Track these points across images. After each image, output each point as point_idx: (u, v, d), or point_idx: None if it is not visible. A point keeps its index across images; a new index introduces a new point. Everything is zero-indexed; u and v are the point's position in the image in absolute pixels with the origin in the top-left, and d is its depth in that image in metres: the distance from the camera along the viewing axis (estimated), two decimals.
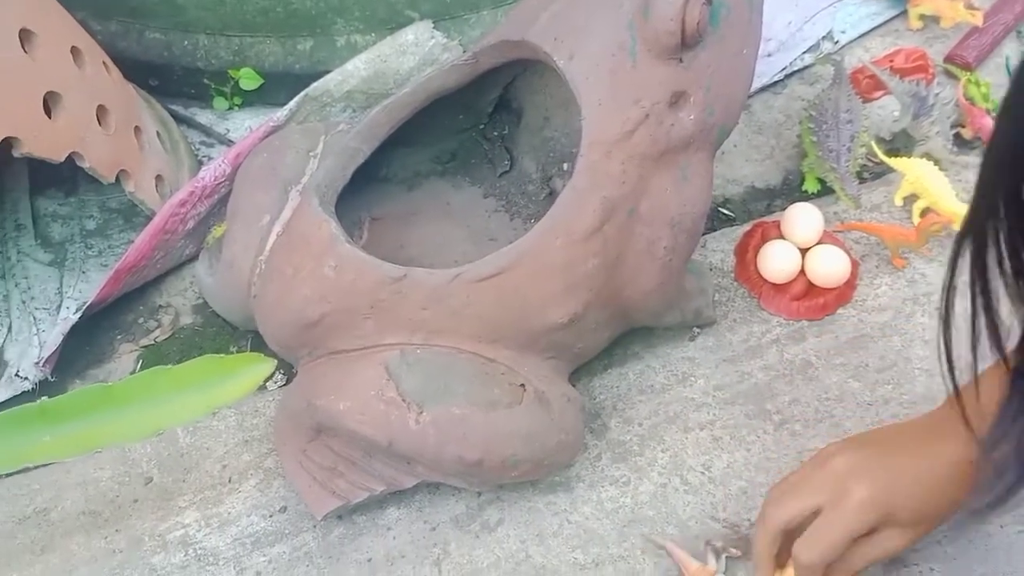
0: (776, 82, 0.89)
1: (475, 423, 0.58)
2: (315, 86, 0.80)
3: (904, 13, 0.93)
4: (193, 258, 0.78)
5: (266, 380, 0.67)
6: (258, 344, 0.70)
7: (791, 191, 0.81)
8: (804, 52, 0.91)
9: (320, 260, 0.62)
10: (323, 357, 0.63)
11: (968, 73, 0.86)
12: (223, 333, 0.74)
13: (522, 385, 0.62)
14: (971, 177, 0.80)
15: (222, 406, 0.66)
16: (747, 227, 0.77)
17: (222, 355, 0.56)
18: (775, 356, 0.70)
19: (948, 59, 0.89)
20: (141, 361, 0.73)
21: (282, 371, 0.71)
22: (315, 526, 0.63)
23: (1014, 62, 0.87)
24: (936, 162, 0.78)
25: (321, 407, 0.60)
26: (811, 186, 0.81)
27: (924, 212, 0.76)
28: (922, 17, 0.92)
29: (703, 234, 0.77)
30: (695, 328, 0.72)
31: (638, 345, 0.72)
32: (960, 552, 0.60)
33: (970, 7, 0.89)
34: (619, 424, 0.68)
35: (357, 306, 0.61)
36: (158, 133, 0.79)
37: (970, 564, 0.59)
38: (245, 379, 0.57)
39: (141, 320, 0.75)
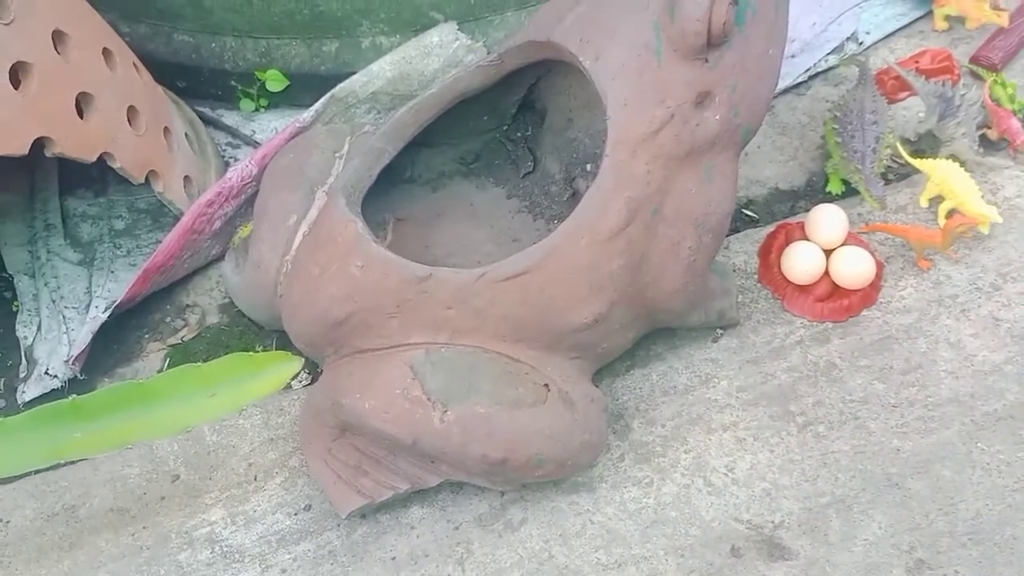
0: (800, 83, 0.89)
1: (499, 422, 0.59)
2: (341, 87, 0.81)
3: (929, 14, 0.93)
4: (220, 258, 0.79)
5: (292, 379, 0.67)
6: (283, 344, 0.70)
7: (815, 193, 0.81)
8: (828, 53, 0.91)
9: (346, 259, 0.62)
10: (348, 356, 0.64)
11: (994, 74, 0.86)
12: (249, 332, 0.75)
13: (546, 385, 0.62)
14: (997, 179, 0.79)
15: (250, 403, 0.66)
16: (771, 228, 0.77)
17: (250, 353, 0.57)
18: (799, 358, 0.70)
19: (974, 60, 0.88)
20: (168, 360, 0.73)
21: (307, 370, 0.71)
22: (339, 524, 0.64)
23: None
24: (962, 163, 0.77)
25: (346, 406, 0.60)
26: (835, 187, 0.80)
27: (950, 214, 0.75)
28: (947, 18, 0.92)
29: (727, 235, 0.77)
30: (718, 329, 0.72)
31: (661, 346, 0.72)
32: (985, 556, 0.59)
33: (996, 8, 0.89)
34: (642, 425, 0.68)
35: (383, 305, 0.62)
36: (186, 134, 0.80)
37: (995, 567, 0.59)
38: (272, 377, 0.57)
39: (168, 319, 0.76)
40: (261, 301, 0.70)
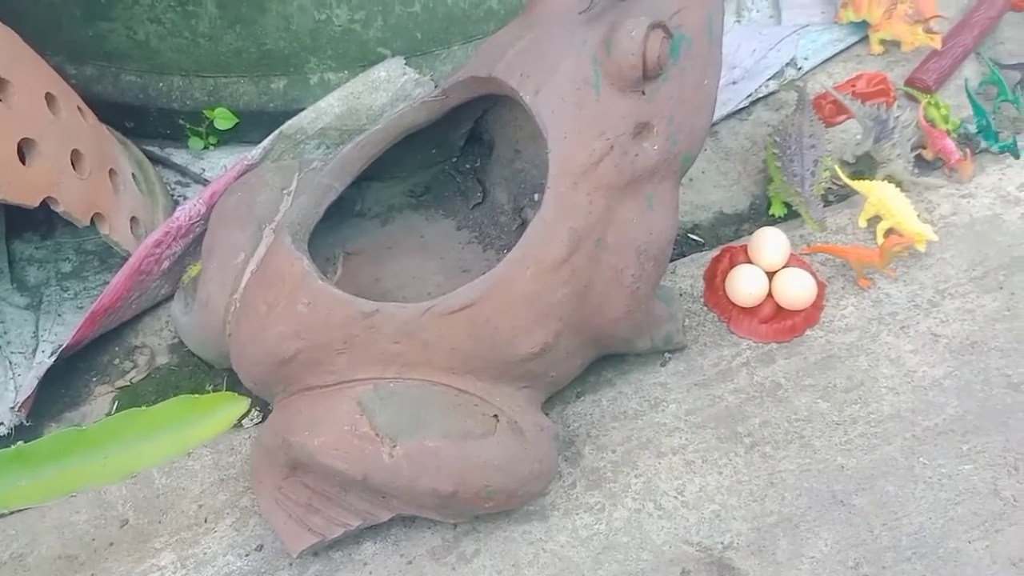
0: (742, 108, 0.91)
1: (448, 455, 0.59)
2: (289, 124, 0.82)
3: (865, 38, 0.96)
4: (169, 298, 0.79)
5: (242, 417, 0.67)
6: (234, 382, 0.70)
7: (759, 215, 0.83)
8: (769, 79, 0.93)
9: (293, 297, 0.62)
10: (297, 393, 0.64)
11: (928, 96, 0.89)
12: (199, 372, 0.75)
13: (495, 416, 0.62)
14: (933, 198, 0.81)
15: (196, 446, 0.66)
16: (716, 252, 0.79)
17: (196, 395, 0.57)
18: (745, 379, 0.71)
19: (909, 82, 0.91)
20: (117, 403, 0.73)
21: (258, 408, 0.71)
22: (291, 564, 0.64)
23: (973, 84, 0.89)
24: (898, 184, 0.79)
25: (295, 443, 0.60)
26: (778, 210, 0.82)
27: (888, 233, 0.77)
28: (883, 42, 0.94)
29: (673, 260, 0.79)
30: (666, 353, 0.73)
31: (610, 372, 0.73)
32: (929, 569, 0.60)
33: (929, 31, 0.92)
34: (593, 451, 0.68)
35: (330, 342, 0.62)
36: (133, 175, 0.80)
37: None
38: (219, 418, 0.57)
39: (117, 361, 0.76)
40: (210, 340, 0.70)
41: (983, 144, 0.84)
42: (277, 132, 0.81)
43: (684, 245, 0.81)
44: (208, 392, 0.72)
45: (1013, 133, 0.85)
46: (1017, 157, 0.83)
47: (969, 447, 0.66)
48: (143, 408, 0.55)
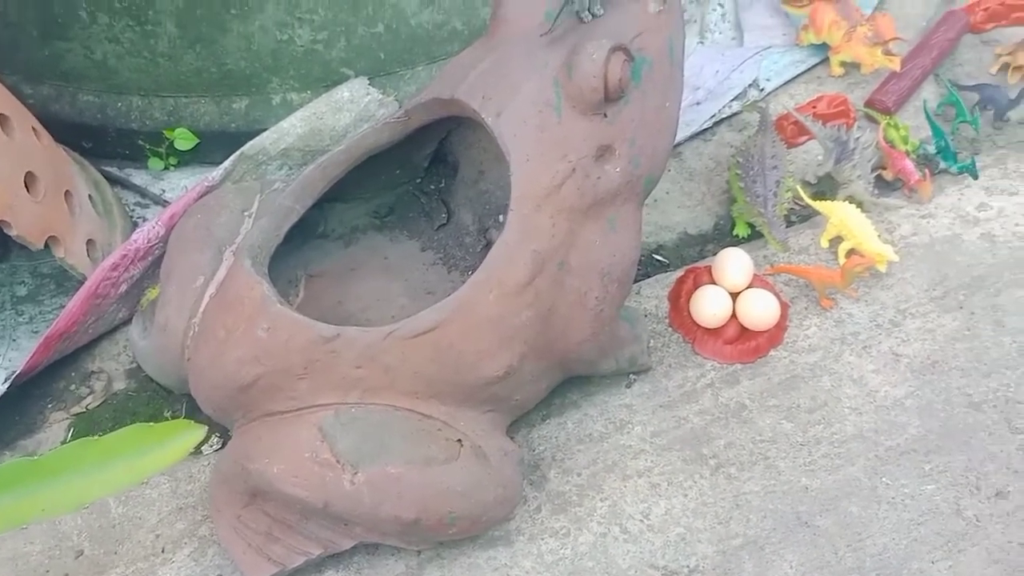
0: (706, 129, 0.92)
1: (411, 481, 0.58)
2: (250, 145, 0.81)
3: (826, 60, 0.97)
4: (127, 322, 0.77)
5: (201, 444, 0.66)
6: (193, 408, 0.69)
7: (723, 236, 0.83)
8: (732, 100, 0.94)
9: (253, 322, 0.62)
10: (258, 420, 0.63)
11: (888, 117, 0.90)
12: (157, 398, 0.73)
13: (459, 440, 0.62)
14: (893, 218, 0.82)
15: (150, 476, 0.64)
16: (680, 273, 0.79)
17: (151, 424, 0.55)
18: (710, 400, 0.71)
19: (868, 104, 0.92)
20: (72, 429, 0.71)
21: (218, 434, 0.70)
22: None
23: (932, 105, 0.91)
24: (859, 204, 0.80)
25: (255, 471, 0.59)
26: (741, 231, 0.83)
27: (849, 254, 0.78)
28: (843, 64, 0.95)
29: (638, 281, 0.79)
30: (631, 375, 0.73)
31: (576, 394, 0.72)
32: None
33: (888, 53, 0.93)
34: (558, 475, 0.68)
35: (291, 367, 0.61)
36: (90, 196, 0.78)
37: None
38: (175, 447, 0.55)
39: (73, 387, 0.74)
40: (169, 365, 0.69)
41: (942, 165, 0.86)
42: (238, 153, 0.80)
43: (648, 266, 0.81)
44: (167, 418, 0.71)
45: (971, 154, 0.86)
46: (976, 177, 0.85)
47: (931, 467, 0.66)
48: (96, 437, 0.54)
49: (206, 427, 0.58)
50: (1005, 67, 0.94)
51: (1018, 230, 0.80)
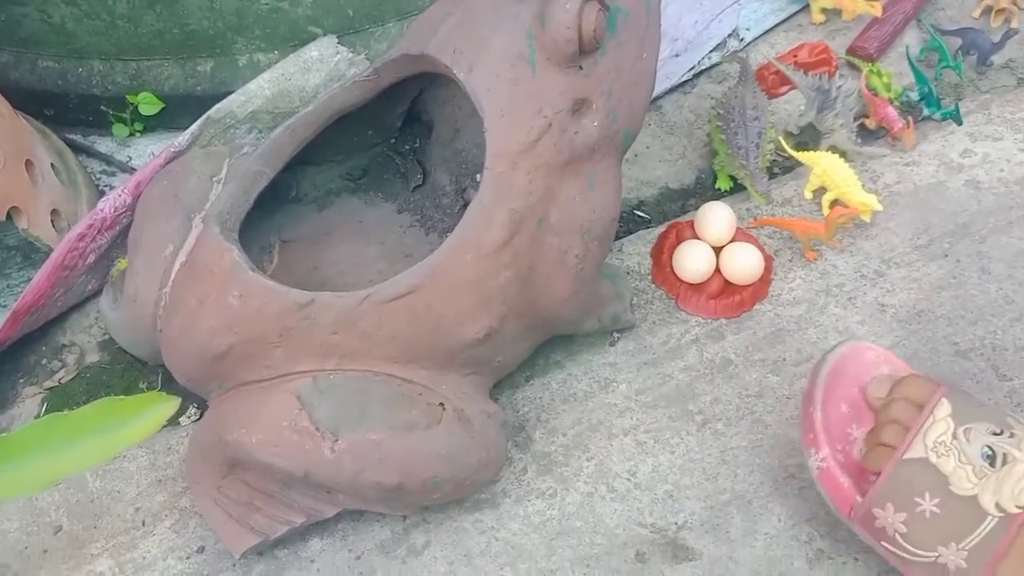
0: (685, 81, 0.90)
1: (392, 447, 0.57)
2: (217, 108, 0.78)
3: (807, 7, 0.95)
4: (97, 293, 0.75)
5: (179, 415, 0.65)
6: (168, 379, 0.68)
7: (705, 190, 0.82)
8: (711, 51, 0.92)
9: (224, 290, 0.60)
10: (234, 389, 0.61)
11: (870, 64, 0.88)
12: (131, 370, 0.72)
13: (440, 404, 0.61)
14: (877, 167, 0.81)
15: (123, 450, 0.63)
16: (662, 228, 0.77)
17: (122, 397, 0.54)
18: (695, 356, 0.71)
19: (850, 51, 0.90)
20: (46, 404, 0.70)
21: (195, 405, 0.69)
22: (235, 564, 0.62)
23: (914, 51, 0.89)
24: (842, 154, 0.79)
25: (233, 441, 0.58)
26: (724, 184, 0.81)
27: (833, 204, 0.77)
28: (824, 11, 0.93)
29: (619, 238, 0.78)
30: (615, 333, 0.72)
31: (559, 353, 0.71)
32: None
33: None
34: (543, 435, 0.67)
35: (265, 335, 0.60)
36: (53, 165, 0.76)
37: None
38: (148, 420, 0.54)
39: (44, 361, 0.73)
40: (141, 336, 0.67)
41: (925, 111, 0.84)
42: (205, 117, 0.77)
43: (630, 222, 0.80)
44: (142, 390, 0.69)
45: (955, 99, 0.85)
46: (960, 123, 0.83)
47: None
48: (66, 412, 0.52)
49: (179, 399, 0.57)
50: (988, 10, 0.93)
51: (1003, 176, 0.79)
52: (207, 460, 0.61)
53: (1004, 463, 0.52)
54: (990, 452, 0.53)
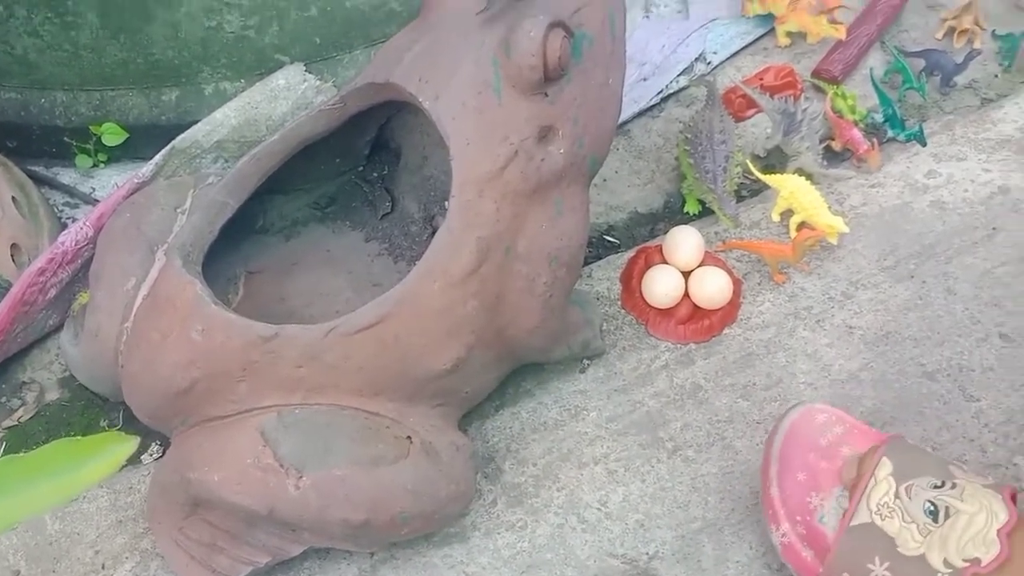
0: (653, 105, 0.90)
1: (358, 483, 0.56)
2: (182, 137, 0.78)
3: (772, 31, 0.95)
4: (58, 329, 0.74)
5: (140, 454, 0.63)
6: (130, 417, 0.66)
7: (674, 214, 0.82)
8: (679, 74, 0.92)
9: (186, 324, 0.59)
10: (196, 426, 0.60)
11: (835, 87, 0.89)
12: (92, 407, 0.70)
13: (408, 437, 0.60)
14: (843, 189, 0.81)
15: (81, 492, 0.62)
16: (631, 253, 0.77)
17: (78, 438, 0.53)
18: (665, 382, 0.70)
19: (815, 74, 0.91)
20: (4, 445, 0.68)
21: (158, 442, 0.67)
22: None
23: (878, 73, 0.90)
24: (808, 176, 0.79)
25: (195, 480, 0.57)
26: (692, 208, 0.81)
27: (800, 226, 0.77)
28: (789, 34, 0.94)
29: (588, 263, 0.77)
30: (585, 360, 0.72)
31: (529, 382, 0.71)
32: None
33: (833, 22, 0.92)
34: (513, 466, 0.66)
35: (229, 369, 0.59)
36: (14, 198, 0.74)
37: None
38: (105, 461, 0.52)
39: (3, 399, 0.71)
40: (102, 373, 0.66)
41: (890, 133, 0.85)
42: (170, 146, 0.77)
43: (599, 247, 0.80)
44: (103, 428, 0.68)
45: (919, 121, 0.86)
46: (924, 145, 0.84)
47: None
48: (21, 455, 0.51)
49: (138, 438, 0.55)
50: (951, 31, 0.94)
51: (967, 196, 0.80)
52: (169, 500, 0.60)
53: (947, 516, 0.52)
54: (932, 507, 0.52)
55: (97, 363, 0.65)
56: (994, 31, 0.92)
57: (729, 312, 0.73)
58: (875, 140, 0.83)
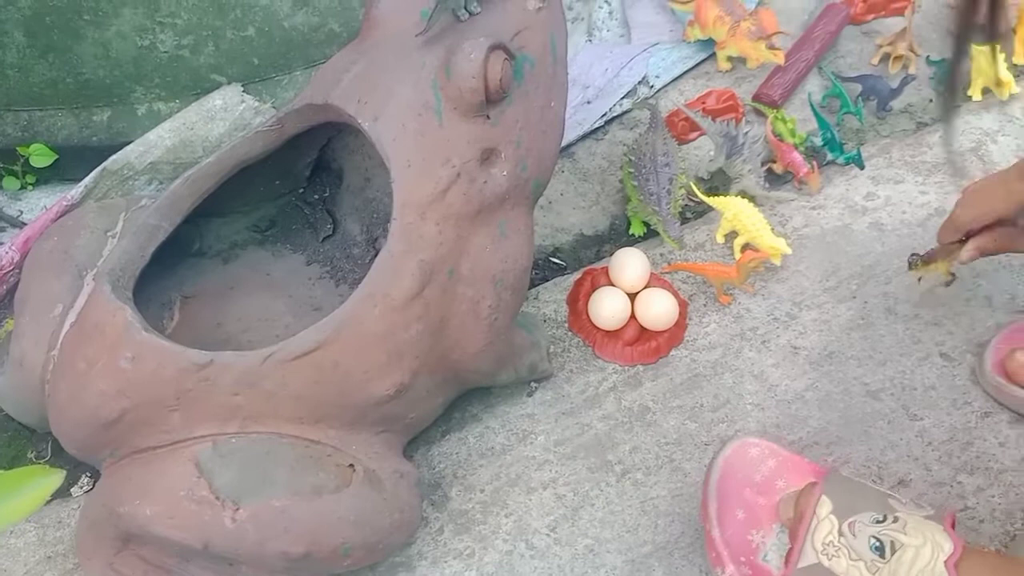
0: (597, 128, 0.90)
1: (298, 514, 0.54)
2: (114, 159, 0.75)
3: (713, 56, 0.97)
4: None
5: (71, 486, 0.60)
6: (59, 448, 0.63)
7: (619, 236, 0.82)
8: (623, 97, 0.92)
9: (115, 351, 0.57)
10: (127, 457, 0.58)
11: (775, 111, 0.90)
12: (19, 438, 0.67)
13: (350, 465, 0.58)
14: (785, 211, 0.82)
15: (7, 528, 0.59)
16: (577, 275, 0.77)
17: (2, 471, 0.50)
18: (613, 404, 0.70)
19: (756, 98, 0.92)
20: None
21: (89, 475, 0.64)
22: None
23: (817, 98, 0.92)
24: (751, 199, 0.80)
25: (126, 514, 0.54)
26: (637, 229, 0.81)
27: (744, 248, 0.77)
28: (730, 59, 0.96)
29: (535, 285, 0.77)
30: (532, 383, 0.71)
31: (476, 406, 0.69)
32: None
33: (772, 47, 0.93)
34: (460, 492, 0.65)
35: (161, 398, 0.56)
36: None
37: None
38: (29, 496, 0.50)
39: None
40: (29, 402, 0.63)
41: (829, 156, 0.86)
42: (101, 168, 0.74)
43: (545, 269, 0.79)
44: (30, 460, 0.65)
45: (857, 144, 0.87)
46: (862, 168, 0.86)
47: (834, 458, 0.66)
48: None
49: (64, 471, 0.52)
50: (886, 57, 0.96)
51: (905, 217, 0.81)
52: (99, 534, 0.57)
53: (893, 551, 0.52)
54: (878, 543, 0.52)
55: (23, 393, 0.63)
56: (928, 57, 0.95)
57: (676, 334, 0.73)
58: (815, 163, 0.84)
